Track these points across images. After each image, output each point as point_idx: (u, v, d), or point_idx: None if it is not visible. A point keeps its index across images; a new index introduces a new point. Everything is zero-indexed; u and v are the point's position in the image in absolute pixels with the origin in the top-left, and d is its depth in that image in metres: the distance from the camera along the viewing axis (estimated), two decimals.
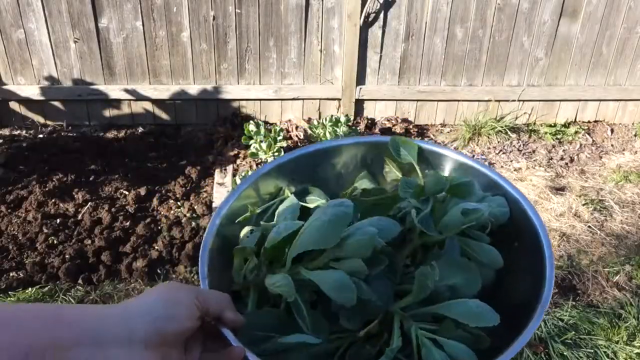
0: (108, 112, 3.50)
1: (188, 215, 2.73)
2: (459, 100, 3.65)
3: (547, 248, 0.69)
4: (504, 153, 3.53)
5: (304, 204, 0.79)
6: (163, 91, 3.42)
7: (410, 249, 0.73)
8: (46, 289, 2.28)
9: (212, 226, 0.72)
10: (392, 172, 0.85)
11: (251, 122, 3.27)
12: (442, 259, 0.70)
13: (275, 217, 0.77)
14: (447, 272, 0.68)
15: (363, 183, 0.84)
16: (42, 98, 3.36)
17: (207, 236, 0.71)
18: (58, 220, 2.60)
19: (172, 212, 2.75)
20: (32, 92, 3.33)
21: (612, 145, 3.68)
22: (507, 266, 0.74)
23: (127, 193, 2.87)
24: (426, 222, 0.71)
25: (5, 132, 3.42)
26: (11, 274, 2.33)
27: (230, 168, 3.17)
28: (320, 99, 3.55)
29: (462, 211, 0.69)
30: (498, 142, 3.61)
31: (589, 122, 3.84)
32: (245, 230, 0.76)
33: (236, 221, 0.76)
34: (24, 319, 0.43)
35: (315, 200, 0.81)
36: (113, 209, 2.70)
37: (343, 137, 3.16)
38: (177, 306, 0.50)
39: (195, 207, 2.78)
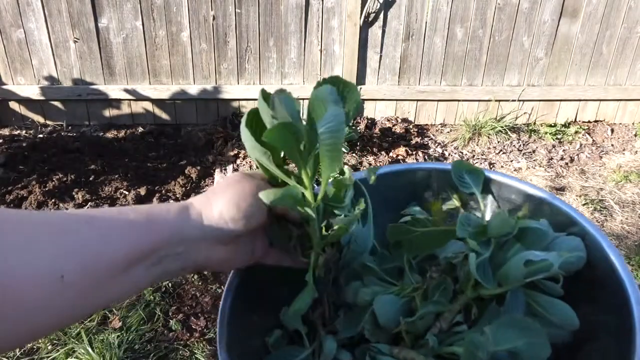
0: (108, 112, 3.50)
1: None
2: (459, 100, 3.65)
3: (636, 304, 0.55)
4: (504, 153, 3.53)
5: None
6: (163, 91, 3.42)
7: (461, 303, 0.62)
8: None
9: None
10: (450, 200, 0.75)
11: None
12: (499, 318, 0.59)
13: None
14: (506, 335, 0.56)
15: (414, 211, 0.75)
16: (42, 98, 3.36)
17: None
18: None
19: None
20: (32, 92, 3.33)
21: (612, 145, 3.67)
22: (586, 326, 0.60)
23: (127, 193, 2.86)
24: (484, 270, 0.59)
25: (5, 132, 3.42)
26: None
27: (230, 168, 3.17)
28: None
29: (525, 262, 0.58)
30: (498, 142, 3.61)
31: (589, 122, 3.83)
32: None
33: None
34: (121, 227, 0.48)
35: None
36: None
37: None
38: (250, 217, 0.56)
39: None
